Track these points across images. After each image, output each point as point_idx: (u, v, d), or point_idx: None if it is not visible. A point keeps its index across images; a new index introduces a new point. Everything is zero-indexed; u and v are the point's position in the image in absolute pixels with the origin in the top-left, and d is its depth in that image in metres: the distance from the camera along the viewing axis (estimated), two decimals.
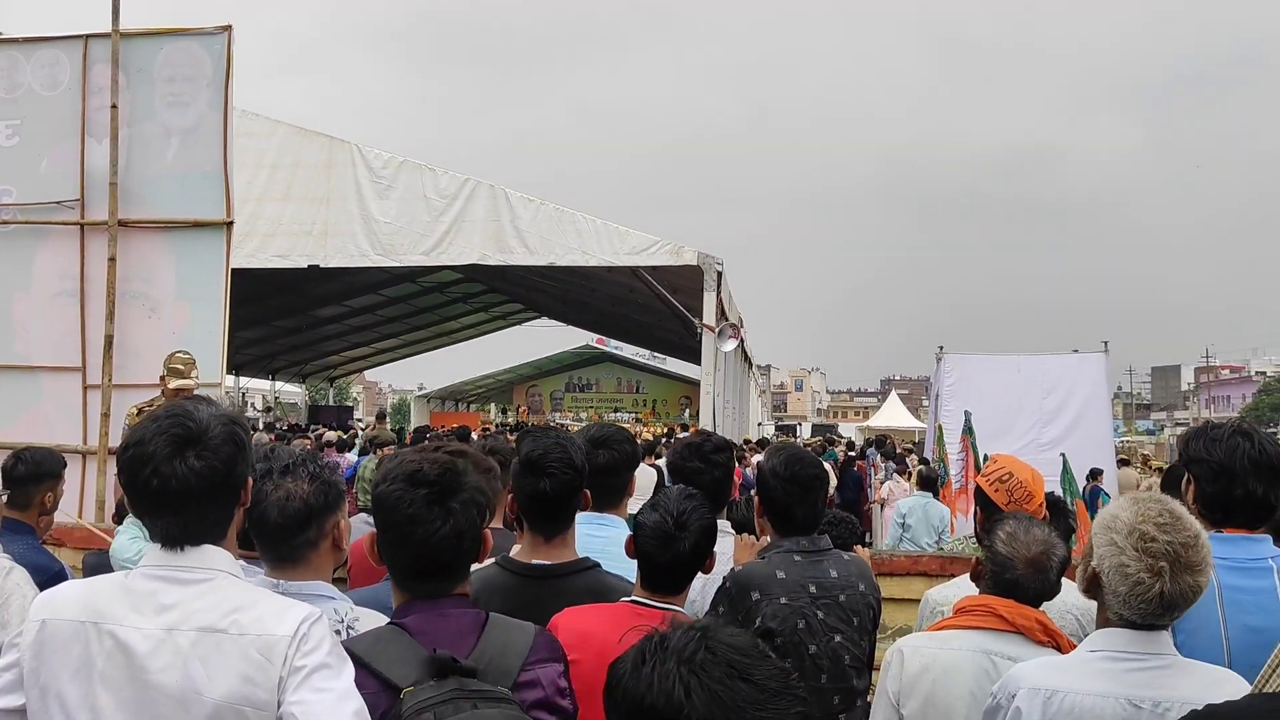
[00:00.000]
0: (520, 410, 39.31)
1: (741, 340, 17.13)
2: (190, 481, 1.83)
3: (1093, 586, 2.18)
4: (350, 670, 1.80)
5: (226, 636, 1.78)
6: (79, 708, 1.79)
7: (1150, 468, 15.75)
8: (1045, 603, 2.61)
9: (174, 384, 5.61)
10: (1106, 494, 10.46)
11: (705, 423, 14.07)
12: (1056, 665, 2.22)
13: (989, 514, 3.18)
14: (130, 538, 4.12)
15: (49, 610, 1.86)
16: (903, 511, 9.22)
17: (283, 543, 2.23)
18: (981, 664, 2.47)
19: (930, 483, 9.58)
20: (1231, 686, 2.03)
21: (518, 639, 1.94)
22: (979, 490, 3.41)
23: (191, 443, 1.85)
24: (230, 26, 6.31)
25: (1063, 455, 9.07)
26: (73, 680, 1.80)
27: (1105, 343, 12.78)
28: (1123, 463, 14.51)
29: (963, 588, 3.14)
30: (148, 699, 1.77)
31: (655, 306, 18.50)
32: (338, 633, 2.09)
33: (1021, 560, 2.53)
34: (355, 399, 66.40)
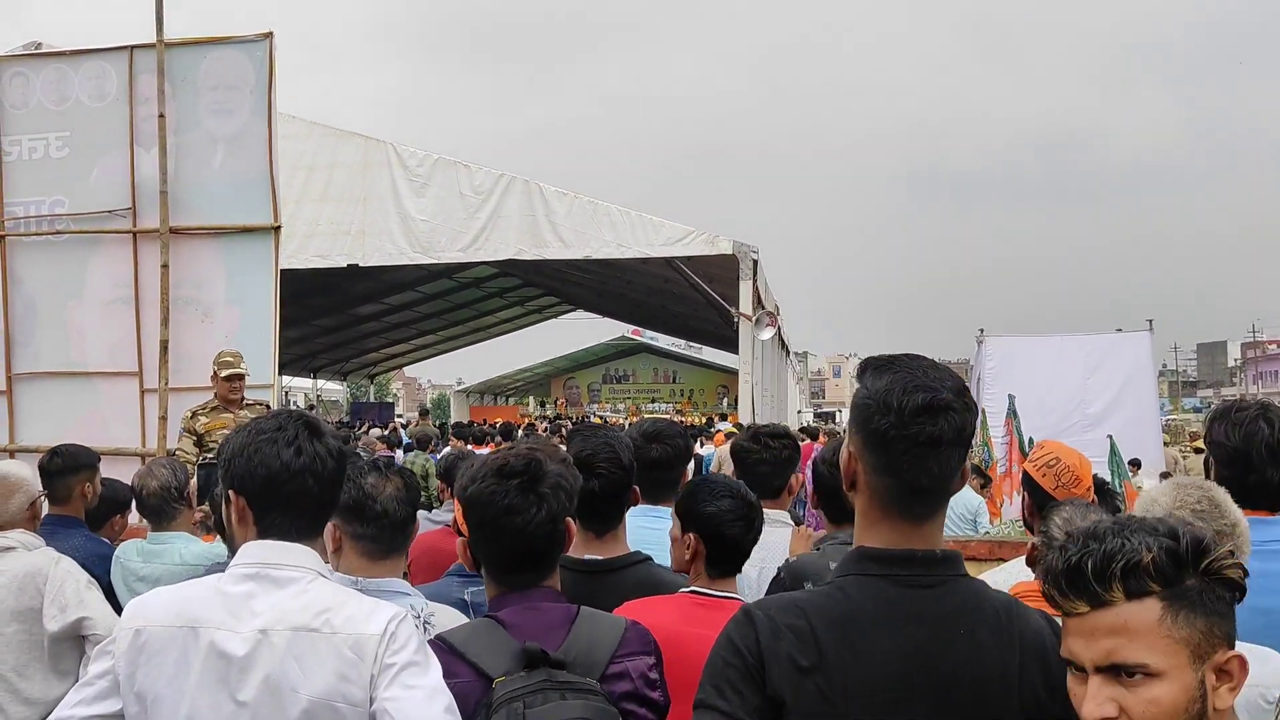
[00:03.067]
0: (558, 403, 39.48)
1: (778, 328, 17.11)
2: (328, 464, 1.94)
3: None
4: (437, 667, 1.86)
5: (320, 635, 1.84)
6: (176, 712, 1.85)
7: (1193, 447, 15.56)
8: None
9: (225, 372, 5.79)
10: None
11: (744, 412, 14.08)
12: None
13: (1037, 499, 3.19)
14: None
15: (143, 618, 1.91)
16: None
17: (400, 532, 2.36)
18: None
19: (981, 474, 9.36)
20: (1274, 664, 2.02)
21: (607, 632, 1.99)
22: (1026, 476, 3.42)
23: (322, 433, 1.97)
24: (271, 33, 6.40)
25: (1110, 437, 8.99)
26: (169, 685, 1.85)
27: (1150, 321, 12.63)
28: (1166, 443, 14.35)
29: (1015, 573, 3.15)
30: (245, 700, 1.83)
31: (691, 296, 18.51)
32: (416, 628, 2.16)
33: None
34: (395, 395, 66.90)
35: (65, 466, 3.86)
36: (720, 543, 2.52)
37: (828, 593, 1.66)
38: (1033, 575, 2.68)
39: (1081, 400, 11.83)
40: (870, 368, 1.72)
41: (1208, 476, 2.87)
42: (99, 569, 3.54)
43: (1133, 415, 11.54)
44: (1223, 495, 2.12)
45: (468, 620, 2.28)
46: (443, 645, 1.95)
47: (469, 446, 12.69)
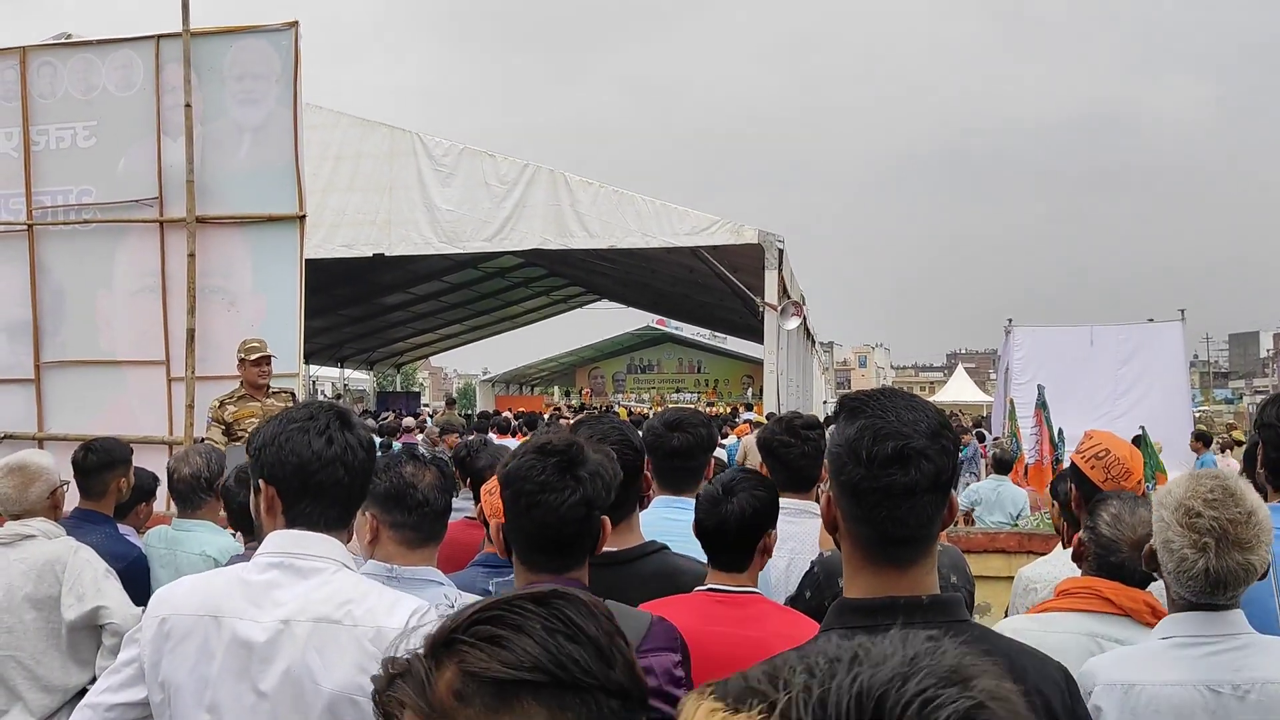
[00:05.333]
0: (583, 393, 39.50)
1: (804, 318, 17.04)
2: (359, 454, 1.94)
3: (1150, 563, 2.15)
4: None
5: (341, 627, 1.83)
6: (199, 701, 1.85)
7: (1232, 438, 15.33)
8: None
9: (254, 356, 5.80)
10: None
11: (769, 401, 14.04)
12: (1131, 656, 2.16)
13: (1085, 492, 3.12)
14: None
15: (168, 607, 1.92)
16: (972, 499, 8.64)
17: (439, 521, 2.36)
18: (1088, 647, 2.36)
19: (1005, 465, 9.07)
20: None
21: (631, 627, 1.96)
22: (1074, 468, 3.35)
23: (353, 424, 1.97)
24: (297, 22, 6.40)
25: (1142, 428, 8.87)
26: (192, 674, 1.85)
27: (1182, 311, 12.45)
28: (1203, 435, 14.16)
29: (1057, 565, 3.09)
30: (266, 690, 1.82)
31: (716, 286, 18.46)
32: None
33: (1128, 543, 2.46)
34: (422, 384, 67.26)
35: (100, 463, 3.85)
36: (697, 530, 2.50)
37: (803, 652, 1.61)
38: (1079, 570, 2.62)
39: (1112, 391, 11.71)
40: (843, 411, 1.64)
41: (1251, 464, 2.81)
42: (117, 565, 3.54)
43: (1164, 405, 11.40)
44: (1239, 484, 2.07)
45: None
46: None
47: (492, 435, 12.72)
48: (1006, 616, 3.24)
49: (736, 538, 2.47)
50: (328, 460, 1.90)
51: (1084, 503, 2.85)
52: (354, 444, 1.94)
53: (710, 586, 2.46)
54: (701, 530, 2.48)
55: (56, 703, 3.32)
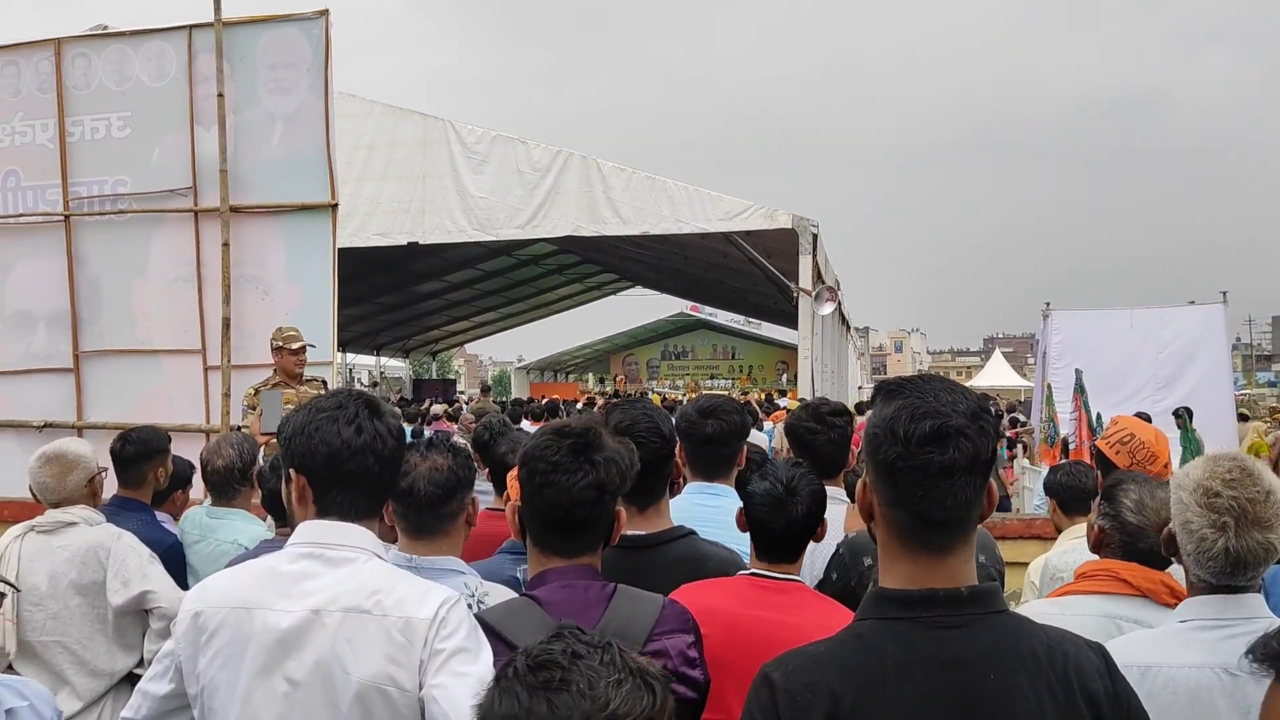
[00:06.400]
0: (617, 379, 39.54)
1: (839, 303, 16.91)
2: (388, 443, 1.93)
3: (1169, 547, 2.13)
4: (488, 653, 1.84)
5: (371, 617, 1.83)
6: (232, 692, 1.86)
7: (1276, 419, 15.08)
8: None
9: (294, 345, 5.84)
10: None
11: (804, 387, 13.96)
12: (1149, 639, 2.16)
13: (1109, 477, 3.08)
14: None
15: (201, 601, 1.94)
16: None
17: (428, 513, 2.32)
18: (1106, 629, 2.38)
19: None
20: None
21: (644, 610, 1.96)
22: (1099, 453, 3.32)
23: (382, 413, 1.96)
24: (327, 11, 6.40)
25: (1183, 411, 8.74)
26: (226, 667, 1.87)
27: (1224, 293, 12.24)
28: (1242, 417, 13.94)
29: (1083, 554, 3.06)
30: (297, 680, 1.83)
31: (749, 272, 18.37)
32: (469, 606, 2.14)
33: (1154, 528, 2.45)
34: (457, 372, 67.65)
35: (137, 454, 3.89)
36: (758, 529, 2.47)
37: (845, 640, 1.57)
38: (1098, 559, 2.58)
39: (1153, 375, 11.54)
40: (881, 393, 1.63)
41: None
42: (154, 552, 3.57)
43: (1206, 389, 11.21)
44: (1256, 464, 2.06)
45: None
46: (480, 623, 1.93)
47: (526, 423, 12.76)
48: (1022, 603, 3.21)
49: (800, 535, 2.47)
50: (357, 449, 1.90)
51: (1107, 489, 2.81)
52: (383, 432, 1.93)
53: (754, 571, 2.46)
54: (764, 530, 2.46)
55: (103, 687, 3.37)
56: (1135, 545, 2.48)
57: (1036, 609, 2.61)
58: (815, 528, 2.52)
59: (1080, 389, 9.78)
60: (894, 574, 1.59)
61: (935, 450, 1.51)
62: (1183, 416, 8.90)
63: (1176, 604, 2.39)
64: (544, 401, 17.77)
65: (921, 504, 1.53)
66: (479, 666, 1.79)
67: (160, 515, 4.05)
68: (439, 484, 2.30)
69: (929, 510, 1.53)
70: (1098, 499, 2.64)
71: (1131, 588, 2.43)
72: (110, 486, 3.79)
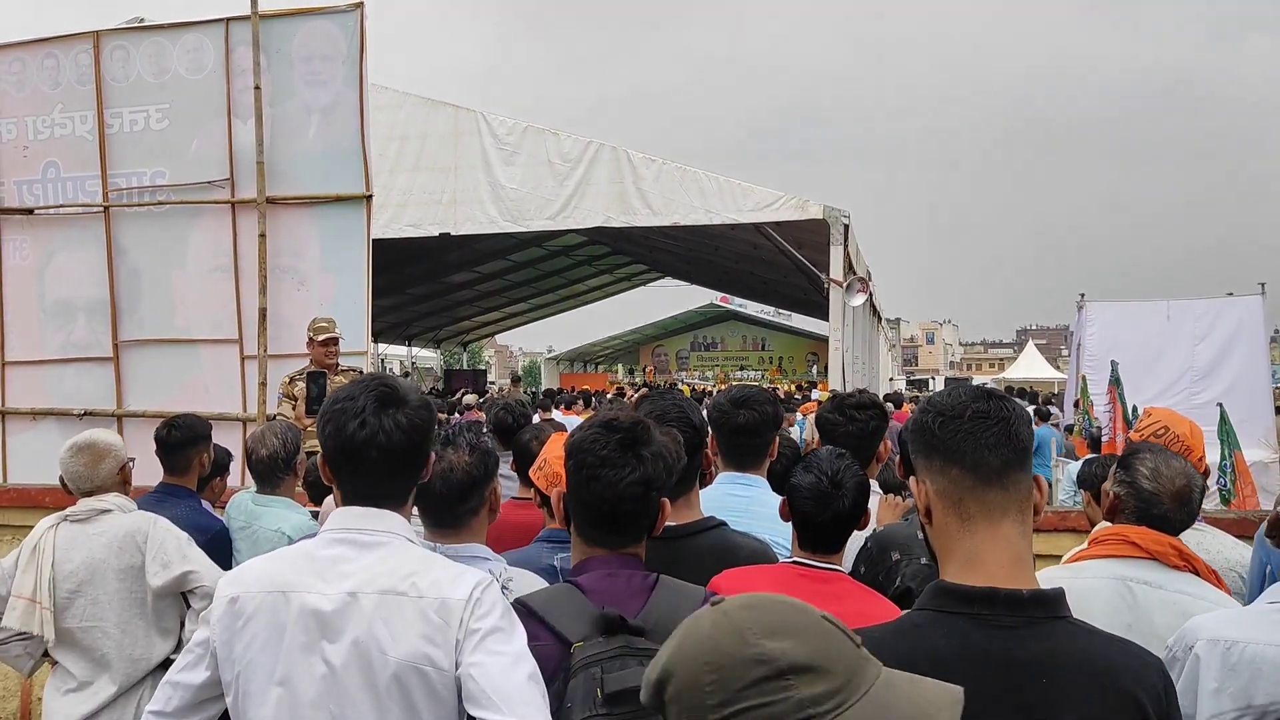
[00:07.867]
0: (647, 370, 39.55)
1: (870, 294, 16.83)
2: (394, 437, 1.93)
3: (1274, 531, 2.16)
4: (522, 633, 1.86)
5: (406, 599, 1.85)
6: (270, 675, 1.88)
7: None
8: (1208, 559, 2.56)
9: (322, 337, 5.93)
10: None
11: (834, 379, 13.92)
12: (1236, 618, 2.21)
13: None
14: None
15: (237, 586, 1.96)
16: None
17: (445, 511, 2.32)
18: (1117, 589, 2.42)
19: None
20: None
21: (686, 601, 1.97)
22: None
23: (397, 403, 1.96)
24: (362, 3, 6.43)
25: (1220, 405, 8.62)
26: (264, 650, 1.89)
27: (1262, 284, 12.00)
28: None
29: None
30: (335, 662, 1.85)
31: (780, 263, 18.32)
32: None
33: (1168, 494, 2.51)
34: (488, 362, 67.90)
35: (183, 440, 3.96)
36: (803, 521, 2.48)
37: (900, 628, 1.60)
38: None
39: (1189, 367, 11.38)
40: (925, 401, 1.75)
41: None
42: (199, 539, 3.62)
43: (1244, 382, 11.04)
44: None
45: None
46: (522, 608, 1.96)
47: (557, 413, 12.83)
48: None
49: (845, 526, 2.49)
50: (360, 442, 1.92)
51: (1124, 459, 2.82)
52: (389, 426, 1.93)
53: (796, 560, 2.47)
54: (809, 523, 2.47)
55: (141, 672, 3.41)
56: (1149, 511, 2.52)
57: (1049, 574, 2.61)
58: (859, 519, 2.53)
59: (1116, 381, 9.67)
60: (953, 563, 1.60)
61: (973, 403, 1.62)
62: (1221, 408, 8.77)
63: (1185, 566, 2.45)
64: (574, 393, 17.81)
65: (972, 452, 1.58)
66: (513, 646, 1.82)
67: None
68: (453, 485, 2.28)
69: (980, 455, 1.58)
70: (1114, 467, 2.66)
71: (1141, 550, 2.46)
72: (140, 476, 3.84)
